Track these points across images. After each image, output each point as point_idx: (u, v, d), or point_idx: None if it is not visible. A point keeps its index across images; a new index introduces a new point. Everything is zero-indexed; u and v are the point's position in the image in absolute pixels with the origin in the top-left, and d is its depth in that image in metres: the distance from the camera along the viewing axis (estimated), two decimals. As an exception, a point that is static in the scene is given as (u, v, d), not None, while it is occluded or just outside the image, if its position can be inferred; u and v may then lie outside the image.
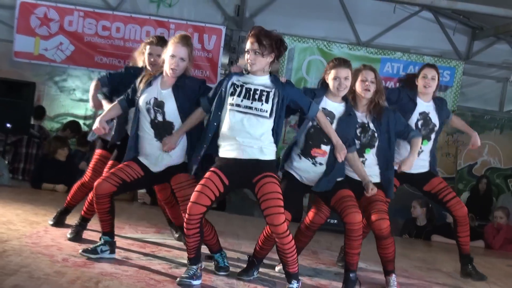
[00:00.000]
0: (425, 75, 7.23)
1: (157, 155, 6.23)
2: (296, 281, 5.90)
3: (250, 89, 5.83)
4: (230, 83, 5.92)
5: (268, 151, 5.88)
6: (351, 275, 6.24)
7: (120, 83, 6.88)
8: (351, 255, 6.23)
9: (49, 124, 12.64)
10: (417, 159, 6.83)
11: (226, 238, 8.24)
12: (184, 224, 5.83)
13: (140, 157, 6.32)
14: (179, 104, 6.16)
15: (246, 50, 5.90)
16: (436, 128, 7.27)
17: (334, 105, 6.24)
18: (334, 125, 6.14)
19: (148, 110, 6.17)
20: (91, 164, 7.35)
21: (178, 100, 6.16)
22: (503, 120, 13.00)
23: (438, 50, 12.78)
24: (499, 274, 8.31)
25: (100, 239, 6.39)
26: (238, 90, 5.84)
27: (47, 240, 6.79)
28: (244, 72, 6.01)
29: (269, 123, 5.81)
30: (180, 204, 6.38)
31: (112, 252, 6.35)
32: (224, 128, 5.83)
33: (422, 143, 6.91)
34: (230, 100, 5.83)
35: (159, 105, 6.16)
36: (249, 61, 5.87)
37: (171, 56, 6.05)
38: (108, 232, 6.39)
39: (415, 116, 7.17)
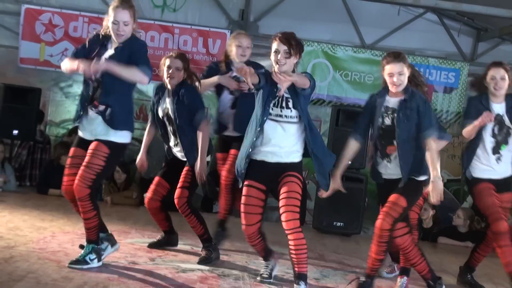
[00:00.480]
0: (493, 77, 6.85)
1: None
2: (303, 283, 5.89)
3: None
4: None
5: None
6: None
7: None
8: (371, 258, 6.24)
9: (54, 129, 12.65)
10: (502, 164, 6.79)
11: (233, 242, 8.26)
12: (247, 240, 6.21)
13: None
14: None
15: (274, 50, 5.89)
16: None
17: (395, 101, 6.16)
18: (396, 120, 6.09)
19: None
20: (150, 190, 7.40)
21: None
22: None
23: (443, 52, 12.77)
24: (505, 275, 8.28)
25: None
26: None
27: (54, 246, 6.81)
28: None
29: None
30: None
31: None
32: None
33: (500, 148, 6.77)
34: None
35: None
36: (279, 61, 5.85)
37: (113, 22, 5.93)
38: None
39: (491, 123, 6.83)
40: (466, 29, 12.90)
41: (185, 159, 7.08)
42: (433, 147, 5.99)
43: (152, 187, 7.24)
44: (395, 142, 6.06)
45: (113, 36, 6.00)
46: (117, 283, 5.69)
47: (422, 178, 6.08)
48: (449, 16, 12.72)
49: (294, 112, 5.87)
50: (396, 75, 6.01)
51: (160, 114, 7.08)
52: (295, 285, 5.91)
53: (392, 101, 6.15)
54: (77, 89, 12.56)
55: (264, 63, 12.63)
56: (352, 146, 6.40)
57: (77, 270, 5.89)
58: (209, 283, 6.15)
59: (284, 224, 5.87)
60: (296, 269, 5.93)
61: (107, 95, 5.95)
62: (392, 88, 6.08)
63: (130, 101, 6.23)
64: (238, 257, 7.47)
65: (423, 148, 6.03)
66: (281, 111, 5.87)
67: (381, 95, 6.26)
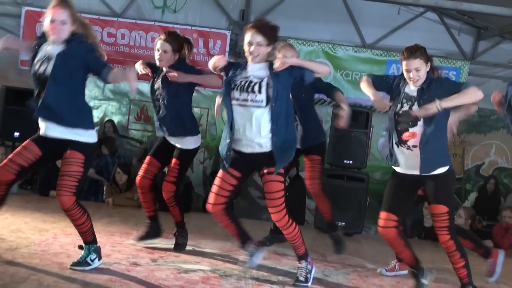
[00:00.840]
0: None
1: None
2: (304, 260, 6.37)
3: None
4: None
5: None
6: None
7: None
8: (455, 269, 6.32)
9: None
10: None
11: (235, 241, 8.27)
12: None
13: None
14: None
15: (248, 42, 5.98)
16: None
17: (413, 90, 6.11)
18: (415, 107, 6.06)
19: None
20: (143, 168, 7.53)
21: None
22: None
23: (444, 51, 12.78)
24: (508, 274, 8.30)
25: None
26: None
27: (56, 248, 6.83)
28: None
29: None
30: None
31: None
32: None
33: None
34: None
35: None
36: (252, 53, 5.97)
37: (50, 21, 5.85)
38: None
39: None
40: (467, 28, 12.92)
41: (175, 144, 7.29)
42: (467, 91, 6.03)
43: (143, 166, 7.39)
44: (411, 130, 6.06)
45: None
46: (119, 284, 5.70)
47: (444, 169, 6.13)
48: (450, 15, 12.74)
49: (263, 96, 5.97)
50: (413, 71, 5.99)
51: (155, 92, 7.30)
52: (297, 263, 6.44)
53: (412, 89, 6.13)
54: (79, 90, 12.59)
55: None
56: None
57: (79, 271, 5.92)
58: (211, 283, 6.16)
59: (275, 223, 6.32)
60: (297, 251, 6.39)
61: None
62: (410, 83, 6.09)
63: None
64: (239, 257, 7.47)
65: (444, 139, 6.18)
66: (247, 95, 5.99)
67: (404, 80, 6.23)
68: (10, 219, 8.12)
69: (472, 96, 5.98)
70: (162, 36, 7.29)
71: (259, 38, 5.93)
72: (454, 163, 12.34)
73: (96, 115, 12.68)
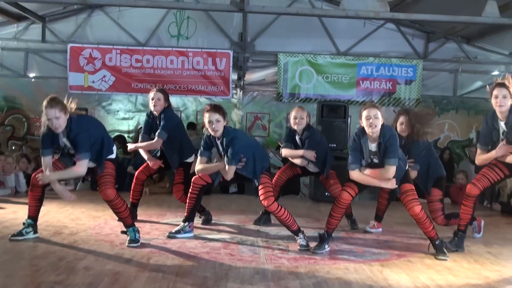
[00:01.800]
0: (496, 95, 6.05)
1: None
2: (300, 234, 6.44)
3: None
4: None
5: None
6: (436, 242, 6.22)
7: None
8: (426, 233, 6.26)
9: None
10: None
11: (247, 215, 8.30)
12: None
13: None
14: None
15: (208, 121, 6.29)
16: None
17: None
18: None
19: None
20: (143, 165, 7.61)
21: None
22: (457, 102, 12.95)
23: (402, 53, 12.74)
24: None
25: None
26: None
27: (107, 230, 6.87)
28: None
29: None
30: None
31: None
32: None
33: None
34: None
35: None
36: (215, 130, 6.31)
37: (48, 119, 5.84)
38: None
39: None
40: (418, 33, 12.88)
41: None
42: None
43: (145, 164, 7.56)
44: None
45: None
46: (158, 254, 5.74)
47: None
48: (404, 24, 12.70)
49: None
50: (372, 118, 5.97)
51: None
52: (296, 237, 6.47)
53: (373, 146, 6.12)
54: (116, 106, 12.66)
55: (259, 74, 12.81)
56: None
57: (132, 247, 5.98)
58: (230, 248, 6.20)
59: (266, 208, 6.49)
60: (291, 230, 6.49)
61: None
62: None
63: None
64: (251, 228, 7.50)
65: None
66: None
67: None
68: (70, 210, 8.16)
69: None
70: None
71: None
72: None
73: (131, 124, 12.72)
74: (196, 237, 6.68)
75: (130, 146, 7.75)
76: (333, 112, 10.99)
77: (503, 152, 6.13)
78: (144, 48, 12.38)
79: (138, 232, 6.25)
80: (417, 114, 7.10)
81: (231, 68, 12.33)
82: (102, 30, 12.51)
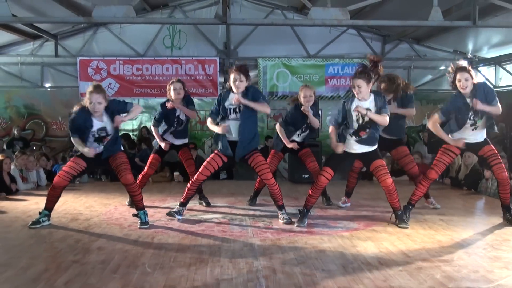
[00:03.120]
0: (459, 79, 5.99)
1: None
2: (283, 209, 6.47)
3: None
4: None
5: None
6: (399, 213, 6.23)
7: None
8: (392, 203, 6.22)
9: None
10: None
11: (237, 197, 8.29)
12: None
13: None
14: None
15: (233, 80, 6.11)
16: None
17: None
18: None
19: None
20: (148, 162, 7.46)
21: None
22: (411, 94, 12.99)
23: (363, 54, 12.69)
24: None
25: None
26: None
27: (116, 215, 6.84)
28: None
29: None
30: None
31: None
32: None
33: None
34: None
35: None
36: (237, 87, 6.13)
37: (91, 103, 5.85)
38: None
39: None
40: (376, 36, 12.90)
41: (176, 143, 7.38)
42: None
43: (149, 160, 7.44)
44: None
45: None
46: (161, 234, 5.72)
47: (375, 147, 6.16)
48: (363, 30, 12.71)
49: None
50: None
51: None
52: (278, 212, 6.49)
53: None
54: (121, 109, 12.57)
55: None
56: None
57: (143, 229, 5.95)
58: (223, 226, 6.20)
59: (265, 182, 6.39)
60: (277, 203, 6.48)
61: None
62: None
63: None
64: (240, 208, 7.49)
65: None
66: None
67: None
68: (85, 199, 8.11)
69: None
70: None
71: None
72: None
73: (135, 124, 12.68)
74: (193, 218, 6.67)
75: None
76: (306, 106, 10.99)
77: (455, 144, 6.18)
78: (143, 58, 12.33)
79: (147, 215, 6.25)
80: (391, 75, 7.00)
81: (218, 73, 12.30)
82: (106, 44, 12.44)
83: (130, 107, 6.13)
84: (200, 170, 6.39)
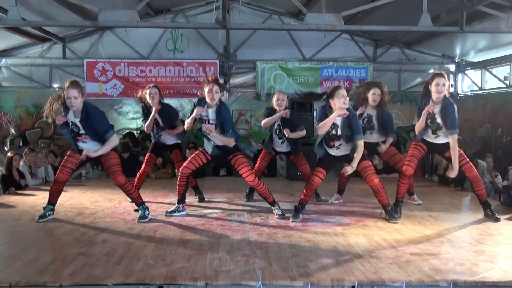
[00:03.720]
0: (437, 83, 6.07)
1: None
2: (276, 204, 6.50)
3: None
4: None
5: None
6: (388, 209, 6.25)
7: None
8: (381, 201, 6.26)
9: (115, 136, 12.66)
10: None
11: (235, 193, 8.28)
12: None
13: None
14: None
15: (208, 91, 6.09)
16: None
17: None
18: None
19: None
20: (144, 161, 7.45)
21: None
22: (401, 96, 12.94)
23: (355, 57, 12.73)
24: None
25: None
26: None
27: (120, 209, 6.84)
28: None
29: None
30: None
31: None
32: None
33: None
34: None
35: None
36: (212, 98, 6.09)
37: (67, 98, 5.73)
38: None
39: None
40: (368, 41, 12.86)
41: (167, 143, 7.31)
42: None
43: (146, 159, 7.42)
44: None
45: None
46: (163, 227, 5.73)
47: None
48: (357, 34, 12.69)
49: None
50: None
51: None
52: (272, 208, 6.53)
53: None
54: (125, 109, 12.57)
55: (241, 78, 12.80)
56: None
57: (141, 223, 5.96)
58: (222, 220, 6.20)
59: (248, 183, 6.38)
60: (268, 200, 6.51)
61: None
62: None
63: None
64: (239, 203, 7.49)
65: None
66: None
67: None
68: (90, 194, 8.11)
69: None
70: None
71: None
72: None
73: (139, 123, 12.57)
74: (193, 212, 6.67)
75: None
76: (301, 107, 10.96)
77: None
78: (147, 60, 12.30)
79: (148, 210, 6.23)
80: (382, 86, 6.95)
81: (218, 74, 12.26)
82: (112, 47, 12.40)
83: (109, 133, 5.91)
84: (185, 163, 6.40)
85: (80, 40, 12.51)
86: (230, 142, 6.13)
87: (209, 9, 12.19)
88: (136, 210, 6.29)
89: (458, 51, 12.26)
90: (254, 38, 12.45)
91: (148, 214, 6.17)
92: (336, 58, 12.75)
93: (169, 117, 7.20)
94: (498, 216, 6.24)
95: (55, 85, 12.61)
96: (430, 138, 6.35)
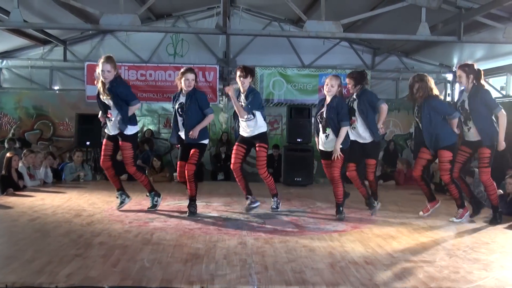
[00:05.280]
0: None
1: None
2: (276, 197, 7.01)
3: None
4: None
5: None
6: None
7: None
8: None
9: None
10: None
11: (233, 197, 8.26)
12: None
13: None
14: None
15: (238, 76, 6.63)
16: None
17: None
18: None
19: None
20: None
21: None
22: (399, 104, 13.01)
23: (354, 65, 12.77)
24: (404, 200, 8.35)
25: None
26: None
27: (118, 212, 6.80)
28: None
29: None
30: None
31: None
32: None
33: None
34: None
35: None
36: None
37: (101, 71, 6.37)
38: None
39: None
40: (367, 49, 12.93)
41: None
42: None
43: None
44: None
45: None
46: (160, 230, 5.70)
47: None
48: (355, 42, 12.74)
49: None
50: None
51: (176, 107, 6.69)
52: (271, 199, 7.01)
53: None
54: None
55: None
56: None
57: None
58: (219, 224, 6.17)
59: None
60: (271, 192, 6.95)
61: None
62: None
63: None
64: (236, 207, 7.46)
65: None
66: None
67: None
68: (88, 197, 8.08)
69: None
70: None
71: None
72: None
73: (138, 125, 12.57)
74: (190, 216, 6.64)
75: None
76: (299, 114, 10.97)
77: None
78: (147, 64, 12.33)
79: (158, 196, 6.83)
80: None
81: (217, 80, 12.30)
82: (113, 51, 12.29)
83: (133, 102, 6.47)
84: (232, 161, 6.91)
85: (81, 43, 12.54)
86: (242, 113, 6.62)
87: (210, 15, 12.24)
88: (147, 195, 6.92)
89: (455, 60, 12.30)
90: (254, 44, 12.48)
91: (156, 202, 6.77)
92: (335, 65, 12.79)
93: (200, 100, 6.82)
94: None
95: (56, 87, 12.63)
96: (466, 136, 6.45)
